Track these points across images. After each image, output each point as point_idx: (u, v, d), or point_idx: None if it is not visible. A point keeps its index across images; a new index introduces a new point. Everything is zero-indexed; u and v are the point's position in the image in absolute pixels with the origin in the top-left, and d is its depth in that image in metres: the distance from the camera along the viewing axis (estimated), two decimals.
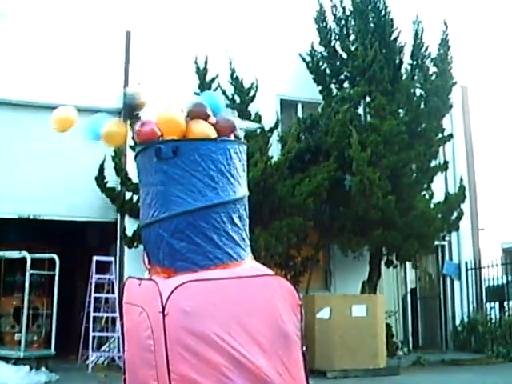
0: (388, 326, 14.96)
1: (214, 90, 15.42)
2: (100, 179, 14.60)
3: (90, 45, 15.46)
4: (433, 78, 15.85)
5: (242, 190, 7.31)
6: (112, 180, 14.89)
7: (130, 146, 14.59)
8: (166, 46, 16.11)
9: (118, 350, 14.11)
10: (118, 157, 14.77)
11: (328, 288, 16.69)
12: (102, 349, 14.71)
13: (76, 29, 15.66)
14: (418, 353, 15.77)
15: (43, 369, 12.50)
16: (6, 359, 12.38)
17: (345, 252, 15.32)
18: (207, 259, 6.97)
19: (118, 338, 13.97)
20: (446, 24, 15.97)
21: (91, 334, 14.01)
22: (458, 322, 18.09)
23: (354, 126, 14.68)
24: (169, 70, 15.51)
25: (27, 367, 11.94)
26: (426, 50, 16.03)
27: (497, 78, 41.43)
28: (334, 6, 16.46)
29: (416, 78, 15.91)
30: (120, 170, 14.70)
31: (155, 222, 7.15)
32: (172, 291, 6.58)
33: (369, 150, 14.09)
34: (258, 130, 14.30)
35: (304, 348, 6.97)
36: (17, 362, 12.12)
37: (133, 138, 14.04)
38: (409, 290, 18.45)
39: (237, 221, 7.20)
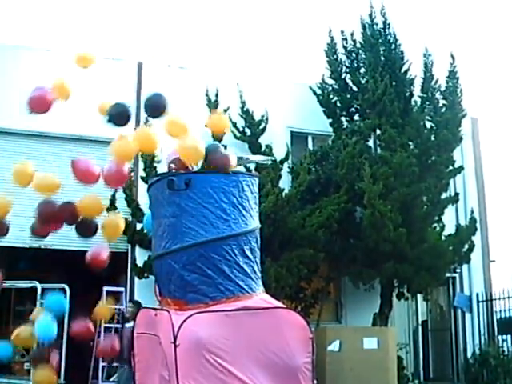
0: (399, 359, 14.85)
1: None
2: (111, 210, 14.61)
3: (101, 76, 15.55)
4: (443, 110, 15.89)
5: (253, 223, 7.37)
6: (123, 211, 14.90)
7: (142, 178, 14.69)
8: (177, 77, 16.20)
9: None
10: (129, 188, 14.82)
11: (339, 320, 16.58)
12: (111, 379, 14.64)
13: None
14: None
15: None
16: None
17: (356, 284, 15.27)
18: (218, 291, 7.03)
19: None
20: (453, 56, 16.02)
21: (101, 364, 13.96)
22: (469, 355, 17.92)
23: (365, 159, 14.71)
24: (180, 102, 15.57)
25: None
26: (436, 82, 16.07)
27: (507, 108, 41.45)
28: (345, 38, 16.56)
29: (426, 110, 15.94)
30: (131, 200, 14.73)
31: (167, 253, 7.22)
32: (182, 323, 6.62)
33: (380, 183, 14.08)
34: (270, 162, 14.35)
35: (315, 381, 6.99)
36: None
37: (144, 169, 14.14)
38: (420, 322, 18.32)
39: (248, 253, 7.26)
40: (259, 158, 13.93)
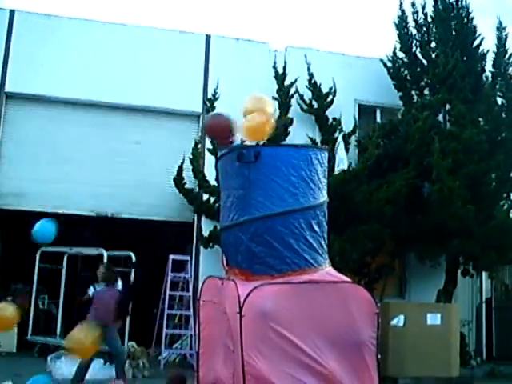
0: (462, 336, 14.73)
1: (292, 95, 15.52)
2: (178, 180, 14.80)
3: (170, 48, 15.67)
4: None
5: (322, 196, 7.34)
6: (190, 182, 15.08)
7: (209, 150, 14.79)
8: (244, 50, 16.21)
9: (190, 348, 14.27)
10: (197, 159, 14.96)
11: (403, 295, 16.49)
12: (174, 346, 14.87)
13: (157, 33, 15.89)
14: (492, 364, 15.46)
15: None
16: None
17: (422, 260, 15.15)
18: (284, 264, 7.05)
19: (191, 335, 14.15)
20: None
21: (164, 330, 14.19)
22: None
23: (435, 134, 14.52)
24: (248, 74, 15.62)
25: (101, 361, 12.11)
26: (510, 57, 15.70)
27: None
28: (416, 12, 16.26)
29: (498, 86, 15.61)
30: (198, 172, 14.87)
31: (235, 224, 7.26)
32: (249, 293, 6.67)
33: (450, 159, 13.90)
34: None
35: (379, 356, 6.98)
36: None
37: (211, 141, 14.18)
38: (484, 299, 18.10)
39: (315, 227, 7.24)
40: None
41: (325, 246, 7.38)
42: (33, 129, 14.99)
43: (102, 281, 11.02)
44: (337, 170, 13.98)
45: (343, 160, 14.44)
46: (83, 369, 10.41)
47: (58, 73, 14.95)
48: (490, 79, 15.68)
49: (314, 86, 15.68)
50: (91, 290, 11.18)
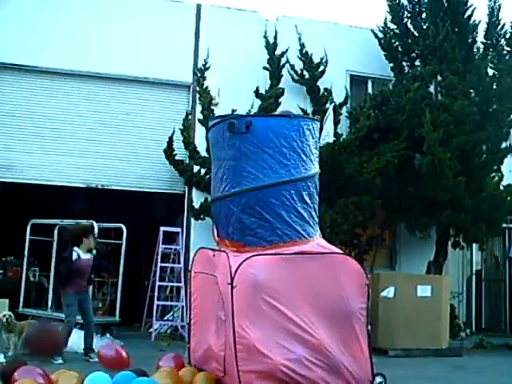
0: (452, 307, 14.84)
1: (283, 65, 15.42)
2: (169, 152, 14.75)
3: (160, 17, 15.51)
4: (507, 57, 15.49)
5: (313, 168, 7.32)
6: (180, 153, 15.03)
7: (199, 120, 14.73)
8: (235, 19, 16.07)
9: (182, 320, 14.32)
10: (187, 130, 14.90)
11: (393, 267, 16.56)
12: (165, 318, 14.92)
13: (147, 2, 15.71)
14: (481, 335, 15.58)
15: (108, 335, 12.75)
16: None
17: (412, 232, 15.20)
18: (275, 235, 7.04)
19: (182, 307, 14.20)
20: None
21: (155, 302, 14.23)
22: None
23: (426, 105, 14.49)
24: (238, 44, 15.50)
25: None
26: (502, 28, 15.62)
27: None
28: None
29: (489, 57, 15.55)
30: (188, 143, 14.82)
31: (226, 196, 7.23)
32: (240, 264, 6.68)
33: (441, 131, 13.89)
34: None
35: (369, 327, 7.01)
36: (82, 327, 12.27)
37: (202, 112, 14.13)
38: (474, 271, 18.20)
39: (306, 198, 7.24)
40: None
41: (316, 218, 7.38)
42: (22, 100, 14.85)
43: (89, 251, 10.94)
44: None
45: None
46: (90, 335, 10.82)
47: (46, 43, 14.77)
48: (481, 50, 15.62)
49: (305, 56, 15.58)
50: (75, 254, 10.80)
